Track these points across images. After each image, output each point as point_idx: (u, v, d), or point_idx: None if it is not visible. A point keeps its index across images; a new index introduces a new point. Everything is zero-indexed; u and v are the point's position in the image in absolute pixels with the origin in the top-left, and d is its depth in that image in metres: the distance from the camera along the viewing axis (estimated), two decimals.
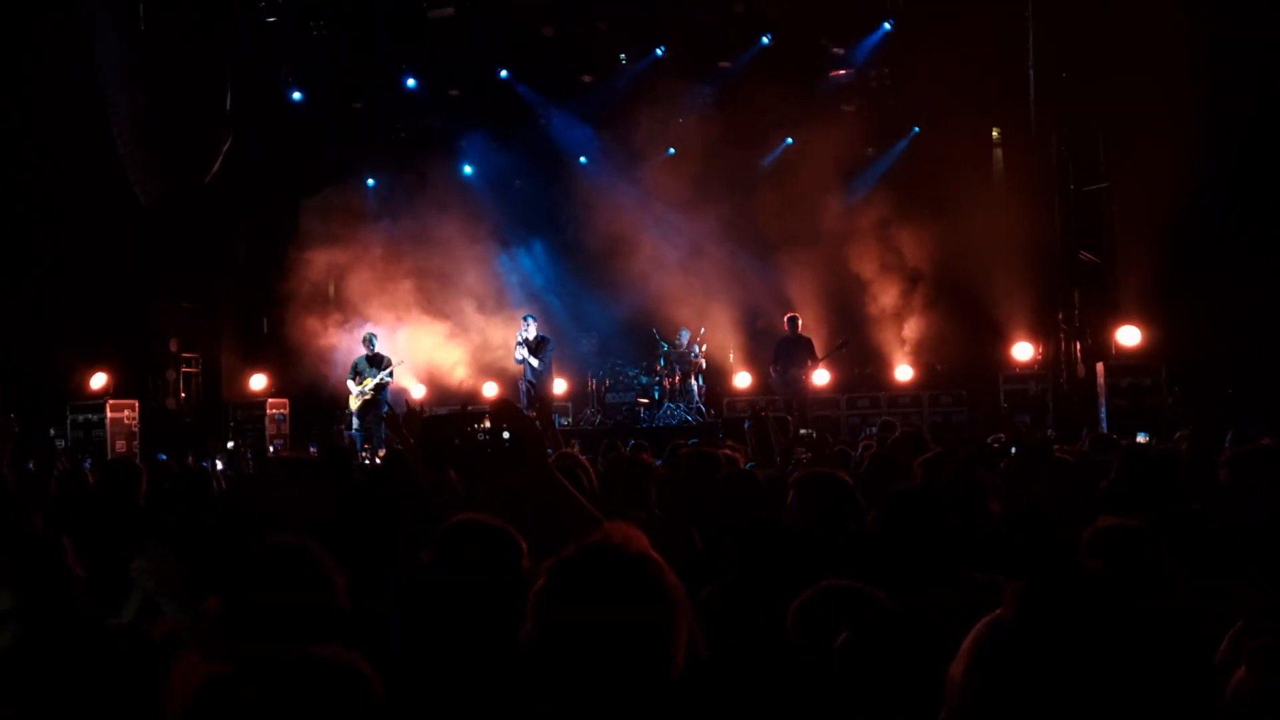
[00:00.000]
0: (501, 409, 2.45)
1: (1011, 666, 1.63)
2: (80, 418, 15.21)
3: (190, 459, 10.79)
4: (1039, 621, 1.64)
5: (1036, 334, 16.13)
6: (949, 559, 3.08)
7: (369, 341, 15.33)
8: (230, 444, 14.73)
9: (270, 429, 16.46)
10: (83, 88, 14.78)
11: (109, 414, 15.19)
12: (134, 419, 15.63)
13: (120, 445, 15.15)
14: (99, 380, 15.64)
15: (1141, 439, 10.72)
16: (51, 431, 14.76)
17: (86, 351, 15.52)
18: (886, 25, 16.92)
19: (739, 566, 3.38)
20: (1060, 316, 16.04)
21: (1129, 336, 14.59)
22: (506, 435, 2.36)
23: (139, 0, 15.84)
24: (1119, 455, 5.86)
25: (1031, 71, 15.60)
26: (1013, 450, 5.40)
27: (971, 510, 3.46)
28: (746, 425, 7.29)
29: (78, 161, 14.70)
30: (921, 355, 17.21)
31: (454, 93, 18.55)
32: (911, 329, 17.18)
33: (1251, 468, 4.18)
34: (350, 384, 15.28)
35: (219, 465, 11.08)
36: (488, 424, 2.37)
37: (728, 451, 5.90)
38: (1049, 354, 16.12)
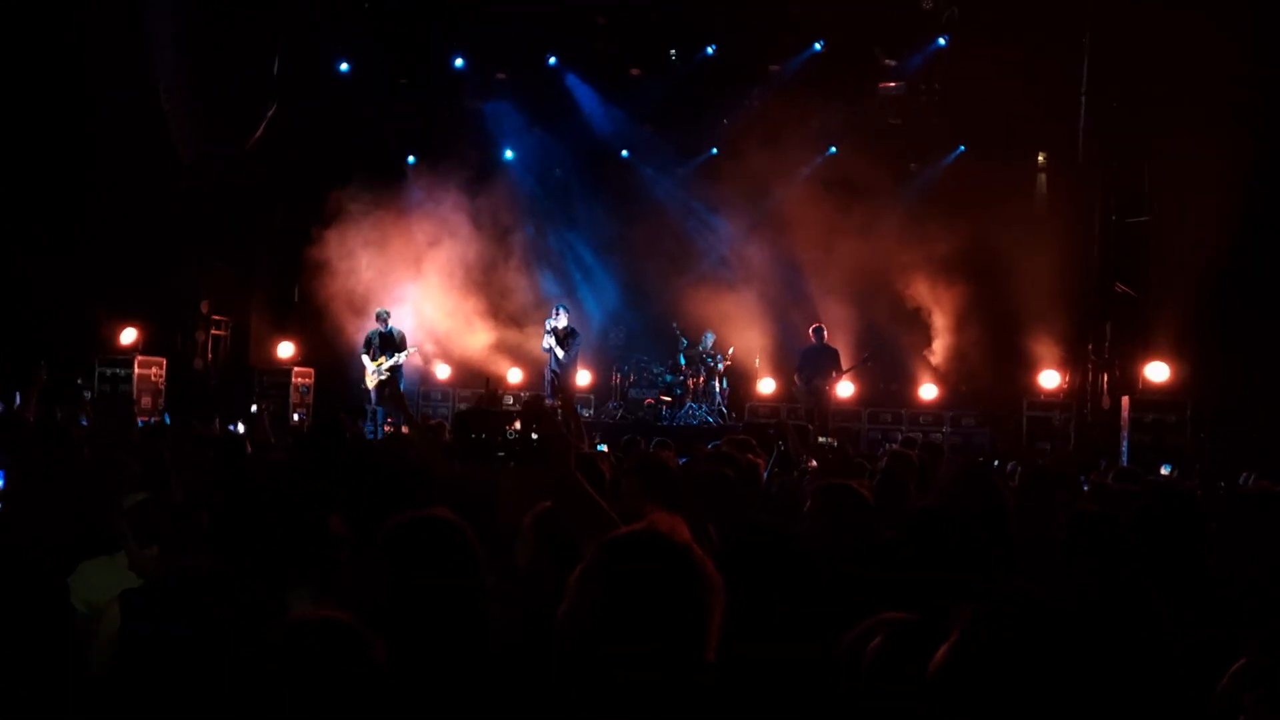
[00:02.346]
0: (532, 410, 2.50)
1: (957, 689, 1.64)
2: (108, 371, 15.36)
3: (217, 422, 10.84)
4: (974, 648, 1.65)
5: (1065, 363, 16.05)
6: (969, 577, 3.07)
7: (383, 318, 15.35)
8: (254, 408, 14.81)
9: (294, 398, 16.56)
10: (129, 43, 14.85)
11: (136, 370, 15.34)
12: (161, 376, 15.76)
13: (146, 401, 15.29)
14: (129, 335, 15.76)
15: (1165, 471, 10.66)
16: (79, 382, 14.88)
17: (118, 306, 15.61)
18: (941, 40, 16.82)
19: (751, 573, 3.36)
20: (1090, 347, 15.94)
21: (1157, 372, 14.50)
22: (535, 437, 2.42)
23: None
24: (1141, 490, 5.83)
25: (1083, 99, 15.50)
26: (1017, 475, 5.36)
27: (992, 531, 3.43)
28: (781, 446, 7.28)
29: (120, 117, 14.77)
30: (948, 375, 17.11)
31: (501, 76, 18.56)
32: (940, 348, 17.10)
33: (1243, 513, 4.11)
34: (365, 359, 15.31)
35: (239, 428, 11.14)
36: (518, 425, 2.43)
37: (751, 457, 5.89)
38: (1076, 384, 16.02)
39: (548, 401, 13.86)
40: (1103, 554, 3.94)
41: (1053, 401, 15.79)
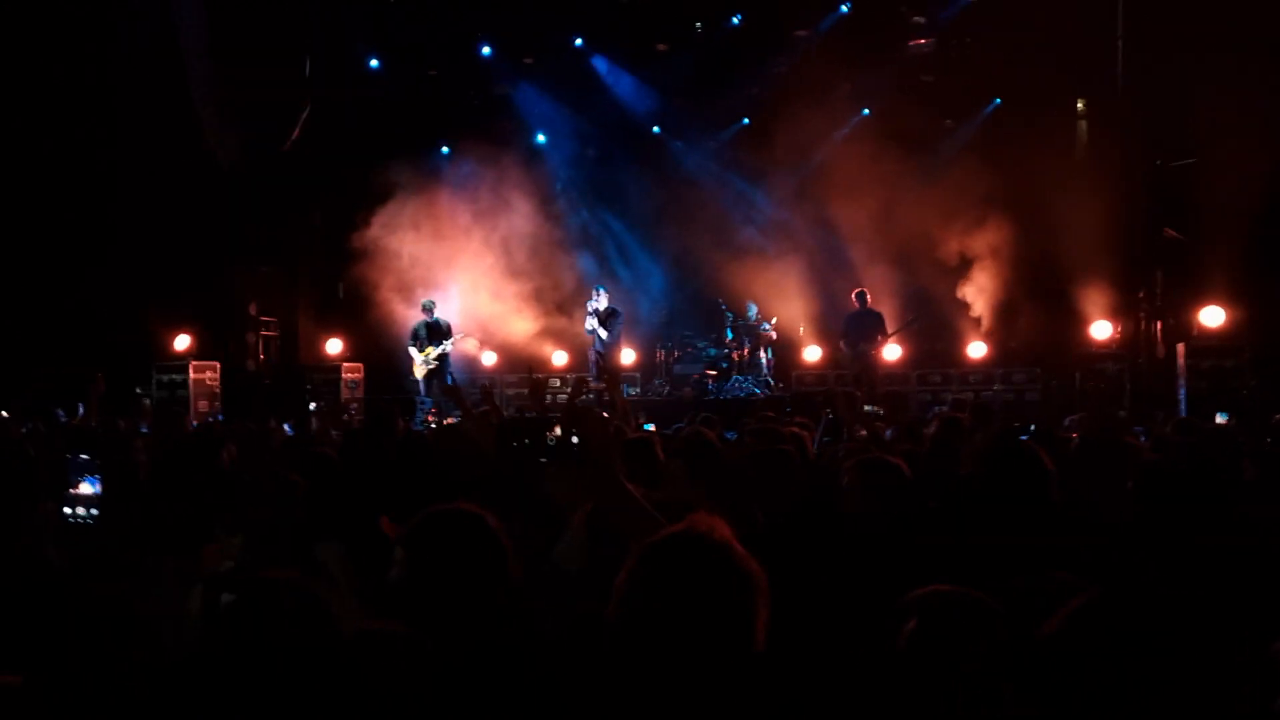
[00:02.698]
0: (574, 414, 2.54)
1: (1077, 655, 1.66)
2: (165, 378, 15.68)
3: (272, 422, 10.99)
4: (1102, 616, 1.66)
5: (1116, 313, 15.78)
6: (1013, 550, 3.05)
7: (428, 308, 15.50)
8: (311, 406, 15.05)
9: (345, 394, 16.74)
10: (165, 51, 15.05)
11: (192, 375, 15.64)
12: (215, 380, 16.05)
13: (203, 405, 15.56)
14: (183, 342, 16.07)
15: (1221, 419, 10.46)
16: (138, 390, 15.21)
17: (170, 313, 15.92)
18: None
19: (797, 556, 3.37)
20: (1141, 295, 15.68)
21: (1213, 317, 14.20)
22: (575, 440, 2.45)
23: None
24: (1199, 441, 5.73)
25: (1120, 42, 15.19)
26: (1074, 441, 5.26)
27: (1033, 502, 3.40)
28: (829, 415, 7.24)
29: (162, 125, 15.00)
30: (996, 332, 16.90)
31: (528, 60, 18.58)
32: (986, 305, 16.89)
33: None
34: (412, 351, 15.48)
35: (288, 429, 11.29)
36: (558, 430, 2.46)
37: (795, 429, 5.88)
38: (1128, 333, 15.77)
39: (592, 383, 13.94)
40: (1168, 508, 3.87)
41: (1106, 352, 15.52)
